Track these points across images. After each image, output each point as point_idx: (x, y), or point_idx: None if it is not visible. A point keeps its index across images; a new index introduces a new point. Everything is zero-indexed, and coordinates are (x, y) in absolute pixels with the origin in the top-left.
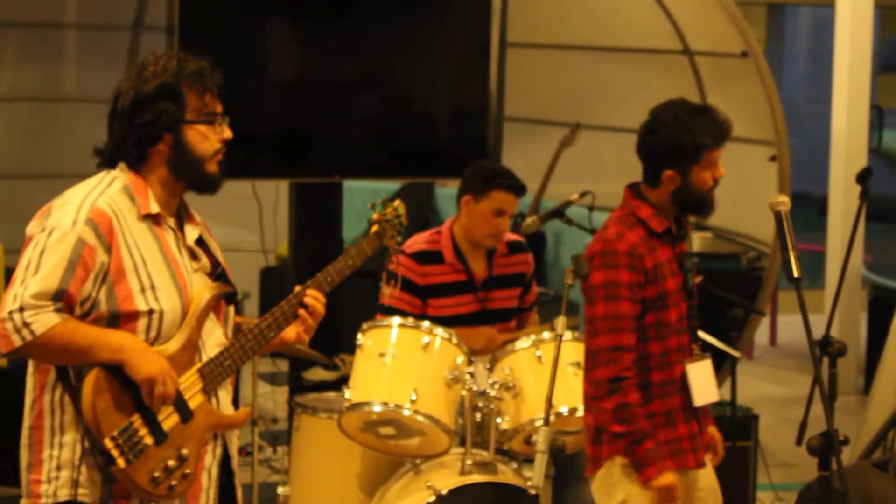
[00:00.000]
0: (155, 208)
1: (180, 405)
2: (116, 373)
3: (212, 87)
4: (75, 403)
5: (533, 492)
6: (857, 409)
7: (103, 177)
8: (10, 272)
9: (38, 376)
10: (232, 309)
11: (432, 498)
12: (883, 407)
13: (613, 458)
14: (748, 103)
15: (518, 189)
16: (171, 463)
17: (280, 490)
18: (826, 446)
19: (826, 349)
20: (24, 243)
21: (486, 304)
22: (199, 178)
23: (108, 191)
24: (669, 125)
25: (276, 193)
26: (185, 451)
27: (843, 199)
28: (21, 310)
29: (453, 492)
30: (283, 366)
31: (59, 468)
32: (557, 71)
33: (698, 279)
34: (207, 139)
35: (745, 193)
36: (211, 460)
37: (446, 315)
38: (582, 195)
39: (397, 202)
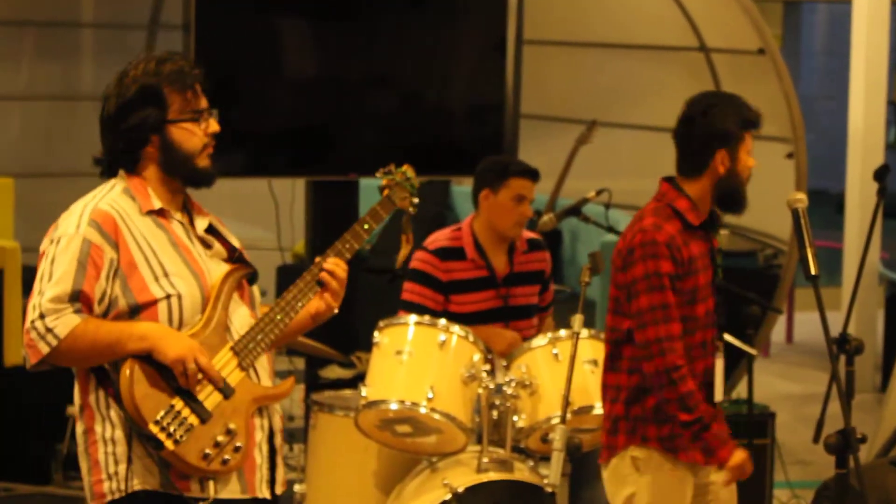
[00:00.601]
0: (157, 204)
1: (221, 382)
2: (149, 360)
3: (192, 84)
4: (115, 397)
5: (550, 490)
6: (875, 406)
7: (104, 185)
8: (27, 270)
9: (81, 380)
10: (256, 289)
11: (449, 496)
12: None
13: (627, 449)
14: (765, 100)
15: (533, 174)
16: (220, 438)
17: (297, 488)
18: (843, 444)
19: (843, 346)
20: (38, 260)
21: (508, 300)
22: (190, 173)
23: (108, 195)
24: (718, 106)
25: (292, 191)
26: (232, 426)
27: (859, 195)
28: (42, 317)
29: (470, 490)
30: (300, 364)
31: (116, 463)
32: (574, 68)
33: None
34: (194, 135)
35: (761, 190)
36: (261, 437)
37: (468, 311)
38: (598, 193)
39: (405, 167)
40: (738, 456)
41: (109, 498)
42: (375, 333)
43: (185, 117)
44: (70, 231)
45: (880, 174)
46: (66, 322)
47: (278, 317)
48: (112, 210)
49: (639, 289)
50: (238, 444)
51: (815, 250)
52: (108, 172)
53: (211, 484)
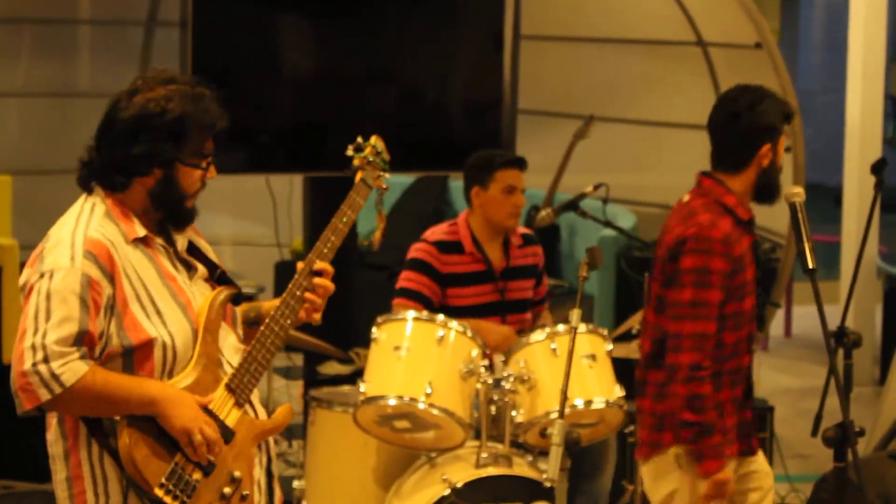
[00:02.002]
0: (141, 232)
1: (220, 428)
2: (148, 418)
3: (215, 133)
4: (114, 458)
5: (548, 484)
6: (873, 399)
7: (82, 206)
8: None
9: (67, 426)
10: (238, 310)
11: (448, 491)
12: None
13: (672, 447)
14: None
15: (518, 162)
16: (226, 490)
17: (296, 484)
18: (842, 437)
19: (841, 340)
20: (25, 294)
21: (505, 294)
22: (176, 213)
23: (93, 220)
24: (762, 100)
25: (290, 188)
26: (237, 474)
27: (857, 189)
28: (46, 360)
29: (469, 485)
30: (298, 360)
31: None
32: (571, 63)
33: None
34: (195, 179)
35: None
36: (259, 472)
37: (465, 304)
38: (596, 187)
39: (374, 138)
40: (725, 474)
41: None
42: (373, 329)
43: (196, 161)
44: (64, 263)
45: (878, 168)
46: (75, 369)
47: (269, 341)
48: (104, 238)
49: (685, 281)
50: (245, 492)
51: (812, 244)
52: (85, 181)
53: None
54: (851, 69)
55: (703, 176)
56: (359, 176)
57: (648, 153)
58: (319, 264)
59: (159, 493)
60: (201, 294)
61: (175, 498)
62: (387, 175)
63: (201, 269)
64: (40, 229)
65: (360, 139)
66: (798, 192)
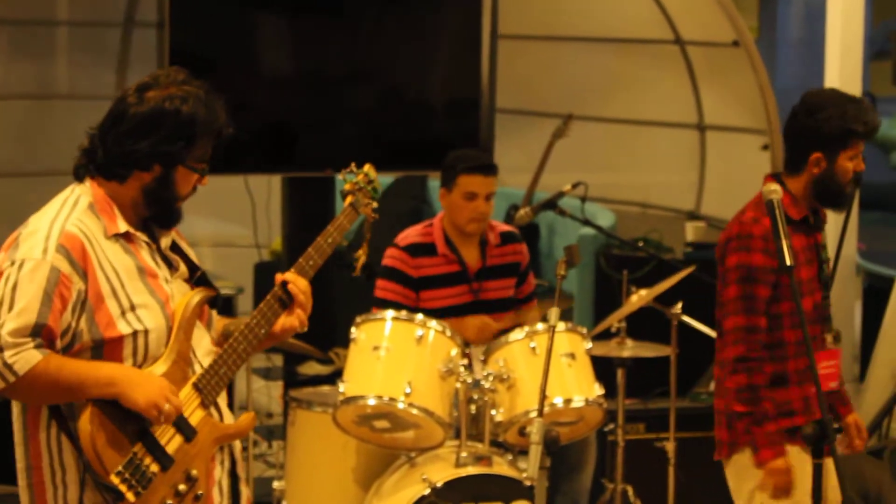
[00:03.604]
0: (123, 227)
1: (182, 424)
2: (111, 404)
3: (220, 141)
4: (73, 442)
5: (528, 483)
6: (853, 396)
7: (68, 196)
8: None
9: (29, 415)
10: (215, 312)
11: (427, 490)
12: (878, 394)
13: (734, 455)
14: (740, 92)
15: (482, 168)
16: (181, 487)
17: (275, 485)
18: (820, 434)
19: None
20: None
21: (480, 294)
22: (165, 213)
23: (74, 212)
24: (826, 108)
25: (268, 188)
26: (193, 472)
27: None
28: (0, 350)
29: (448, 484)
30: (278, 360)
31: None
32: (549, 62)
33: (691, 269)
34: (189, 184)
35: (737, 182)
36: (220, 473)
37: (439, 307)
38: (574, 186)
39: (367, 166)
40: (780, 462)
41: None
42: (353, 329)
43: (197, 167)
44: (36, 255)
45: None
46: (27, 359)
47: (242, 348)
48: (80, 233)
49: (730, 278)
50: (199, 491)
51: (790, 241)
52: (83, 170)
53: None
54: (829, 66)
55: (767, 176)
56: (348, 200)
57: (627, 152)
58: (289, 275)
59: (115, 479)
60: (180, 293)
61: (130, 487)
62: (375, 204)
63: (182, 268)
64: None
65: (353, 165)
66: (775, 190)
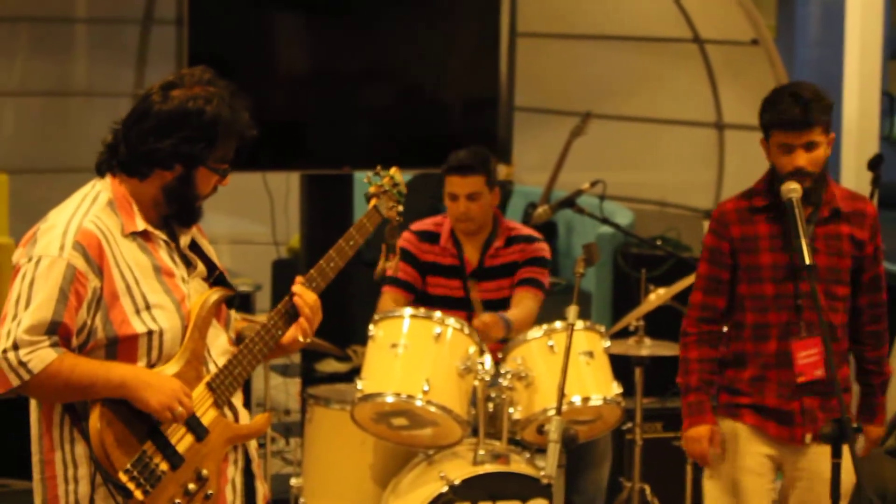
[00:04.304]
0: (140, 225)
1: (193, 424)
2: (121, 403)
3: (243, 143)
4: (85, 439)
5: (546, 481)
6: None
7: (88, 192)
8: None
9: (44, 409)
10: (233, 312)
11: (445, 488)
12: None
13: None
14: (758, 91)
15: (458, 169)
16: (191, 486)
17: (293, 482)
18: (839, 434)
19: None
20: (13, 274)
21: (471, 293)
22: (185, 211)
23: (92, 209)
24: (766, 98)
25: (286, 185)
26: (204, 472)
27: (854, 185)
28: (15, 347)
29: (466, 482)
30: (296, 357)
31: (77, 503)
32: (568, 60)
33: None
34: (210, 183)
35: (755, 180)
36: (234, 472)
37: (439, 294)
38: (593, 184)
39: (393, 170)
40: (694, 431)
41: None
42: (371, 327)
43: (218, 167)
44: (53, 252)
45: (875, 164)
46: (42, 357)
47: (258, 348)
48: (97, 231)
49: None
50: (209, 491)
51: (809, 240)
52: (106, 165)
53: None
54: (848, 66)
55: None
56: (372, 203)
57: (645, 150)
58: (297, 288)
59: (123, 477)
60: (197, 292)
61: (138, 486)
62: (400, 208)
63: (200, 267)
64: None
65: (379, 168)
66: (794, 189)
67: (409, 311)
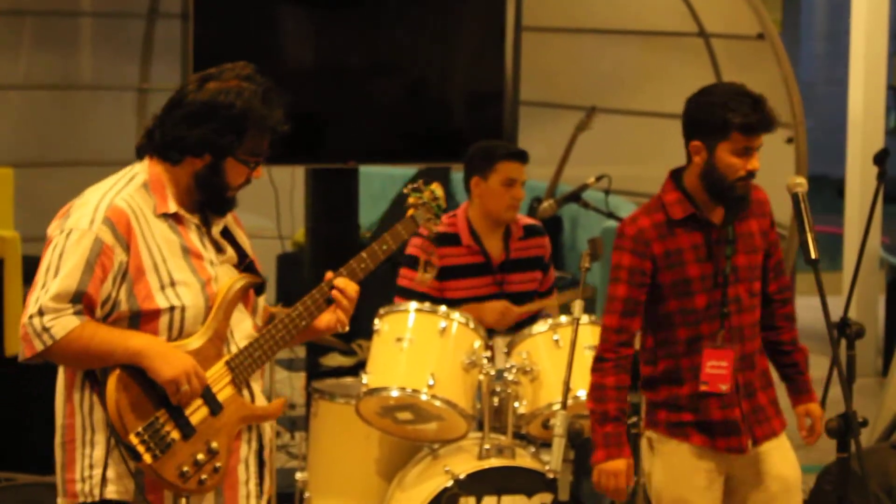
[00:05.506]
0: (172, 208)
1: (209, 398)
2: (139, 370)
3: (275, 137)
4: (101, 401)
5: (551, 475)
6: (876, 390)
7: (126, 173)
8: (27, 260)
9: (67, 375)
10: (262, 299)
11: (450, 482)
12: None
13: (645, 431)
14: (764, 85)
15: (520, 155)
16: (200, 457)
17: (298, 476)
18: (845, 428)
19: (844, 331)
20: (45, 244)
21: (504, 286)
22: (216, 200)
23: (126, 188)
24: (712, 96)
25: (291, 179)
26: (214, 445)
27: (860, 180)
28: (41, 313)
29: (471, 476)
30: (301, 351)
31: (91, 466)
32: (573, 54)
33: None
34: (241, 175)
35: (762, 175)
36: (247, 452)
37: (463, 297)
38: (598, 179)
39: (435, 185)
40: (611, 465)
41: (81, 500)
42: (376, 321)
43: (248, 160)
44: (83, 225)
45: (880, 158)
46: (64, 324)
47: (280, 335)
48: (128, 208)
49: (609, 277)
50: (218, 464)
51: (815, 235)
52: (141, 150)
53: (184, 501)
54: (854, 60)
55: (669, 172)
56: (410, 212)
57: (650, 144)
58: (340, 281)
59: (134, 440)
60: (225, 276)
61: (148, 449)
62: (438, 221)
63: (231, 252)
64: (41, 222)
65: (421, 182)
66: (800, 183)
67: (414, 305)
